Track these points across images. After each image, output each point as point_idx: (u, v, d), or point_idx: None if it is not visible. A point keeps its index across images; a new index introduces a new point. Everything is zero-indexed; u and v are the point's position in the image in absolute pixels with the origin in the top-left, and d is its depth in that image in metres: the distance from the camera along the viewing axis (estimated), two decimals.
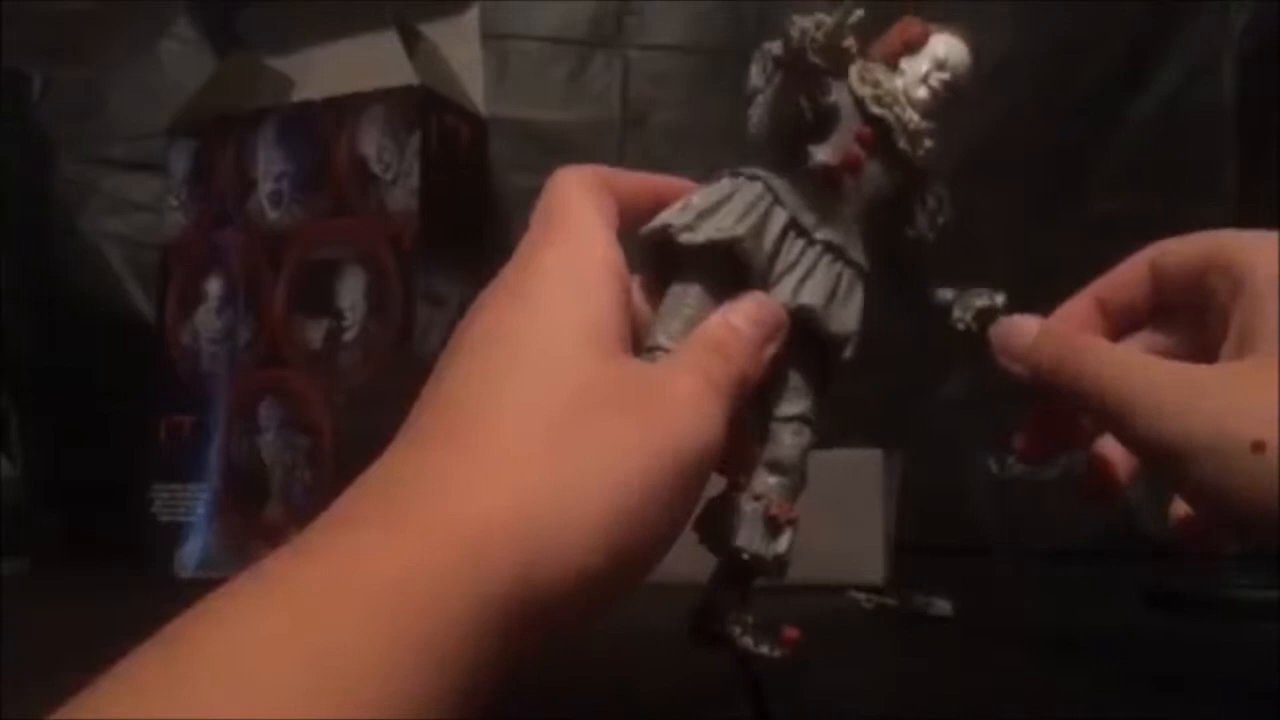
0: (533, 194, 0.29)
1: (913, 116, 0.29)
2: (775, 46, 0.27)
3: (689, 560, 0.28)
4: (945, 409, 0.83)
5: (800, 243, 0.28)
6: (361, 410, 0.69)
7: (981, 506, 0.82)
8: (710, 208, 0.28)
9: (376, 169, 0.72)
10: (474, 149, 0.78)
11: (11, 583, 0.70)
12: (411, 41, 0.77)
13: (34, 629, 0.50)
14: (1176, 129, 0.83)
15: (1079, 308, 0.33)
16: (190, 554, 0.74)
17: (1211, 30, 0.84)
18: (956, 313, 0.32)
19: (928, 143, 0.30)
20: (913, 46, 0.30)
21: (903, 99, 0.29)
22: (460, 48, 0.82)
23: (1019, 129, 0.83)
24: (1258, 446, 0.24)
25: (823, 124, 0.28)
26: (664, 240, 0.28)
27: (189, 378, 0.77)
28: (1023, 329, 0.31)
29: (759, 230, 0.28)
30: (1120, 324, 0.32)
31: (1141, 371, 0.27)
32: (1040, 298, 0.34)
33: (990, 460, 0.82)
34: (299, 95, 0.80)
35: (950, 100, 0.30)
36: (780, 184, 0.28)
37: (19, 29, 0.86)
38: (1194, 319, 0.30)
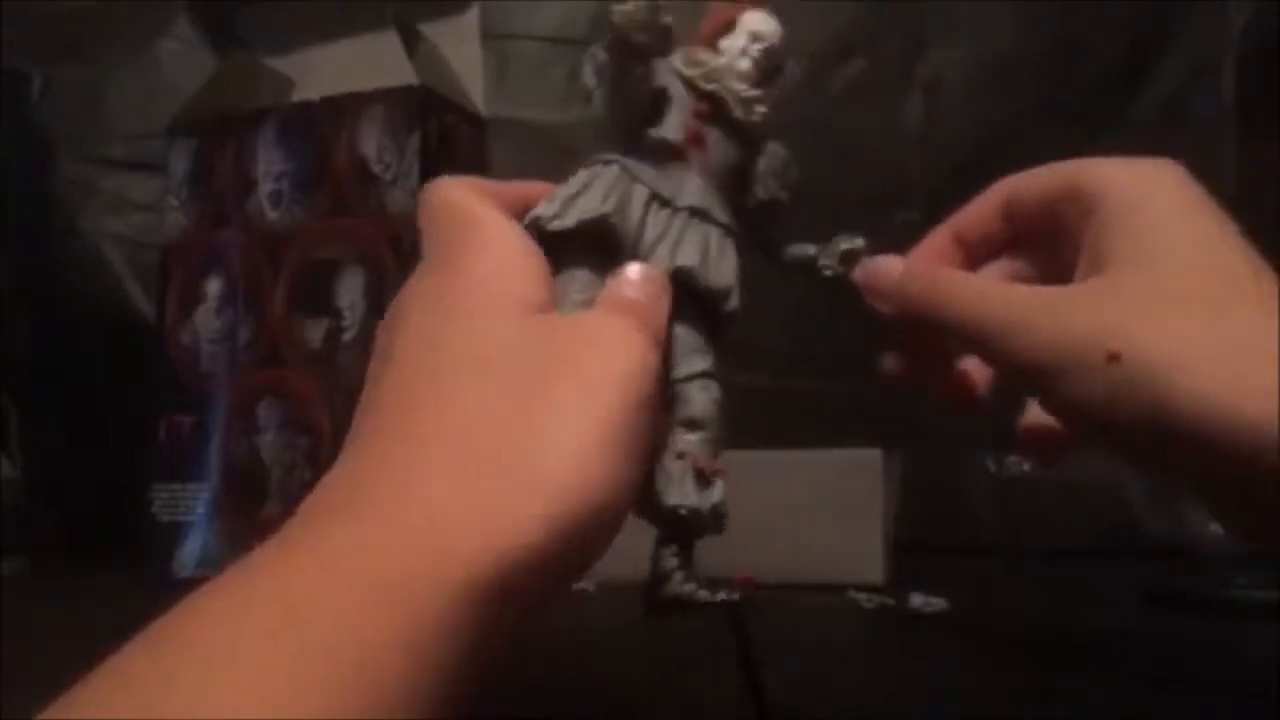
0: None
1: (741, 86, 0.32)
2: (602, 48, 0.30)
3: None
4: (945, 409, 0.83)
5: (665, 213, 0.30)
6: None
7: (981, 506, 0.82)
8: (574, 195, 0.30)
9: (376, 169, 0.72)
10: (474, 149, 0.78)
11: (11, 583, 0.70)
12: (411, 41, 0.77)
13: (34, 629, 0.51)
14: (1176, 129, 0.83)
15: (938, 241, 0.34)
16: (190, 554, 0.74)
17: (1211, 30, 0.84)
18: (823, 260, 0.34)
19: (760, 108, 0.32)
20: (727, 27, 0.33)
21: (729, 74, 0.32)
22: (460, 48, 0.82)
23: (1019, 129, 0.83)
24: (1113, 357, 0.25)
25: (658, 107, 0.31)
26: (537, 231, 0.29)
27: (189, 378, 0.77)
28: (888, 269, 0.33)
29: (623, 206, 0.30)
30: (977, 255, 0.34)
31: (1000, 298, 0.29)
32: None
33: (990, 460, 0.82)
34: (299, 95, 0.80)
35: (771, 67, 0.33)
36: (634, 163, 0.31)
37: (19, 29, 0.86)
38: (1046, 246, 0.32)
